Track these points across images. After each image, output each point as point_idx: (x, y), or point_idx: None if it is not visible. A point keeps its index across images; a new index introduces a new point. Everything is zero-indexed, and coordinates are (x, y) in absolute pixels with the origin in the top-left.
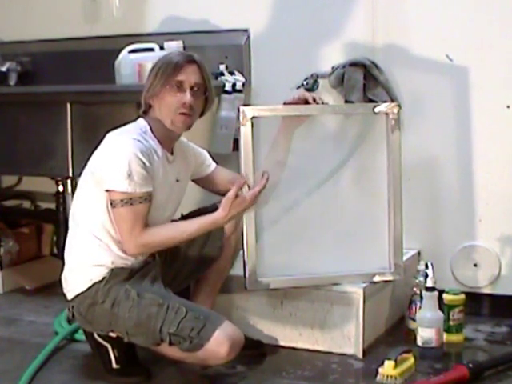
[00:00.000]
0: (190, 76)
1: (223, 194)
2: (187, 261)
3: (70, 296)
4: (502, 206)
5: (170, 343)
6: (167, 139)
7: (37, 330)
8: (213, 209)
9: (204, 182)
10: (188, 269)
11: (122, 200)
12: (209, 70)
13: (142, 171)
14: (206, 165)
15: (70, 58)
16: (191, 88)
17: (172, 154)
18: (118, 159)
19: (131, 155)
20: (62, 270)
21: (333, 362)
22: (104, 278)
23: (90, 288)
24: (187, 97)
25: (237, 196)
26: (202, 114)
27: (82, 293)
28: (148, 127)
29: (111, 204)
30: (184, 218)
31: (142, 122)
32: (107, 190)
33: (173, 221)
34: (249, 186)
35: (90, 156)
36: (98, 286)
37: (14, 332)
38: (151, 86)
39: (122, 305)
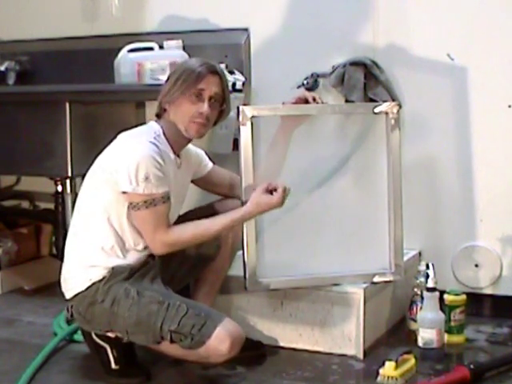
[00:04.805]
0: (210, 86)
1: (220, 194)
2: (184, 260)
3: (68, 295)
4: (503, 206)
5: (171, 341)
6: (178, 144)
7: (36, 330)
8: (209, 209)
9: (202, 183)
10: (185, 268)
11: (145, 202)
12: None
13: (158, 173)
14: (203, 165)
15: (69, 57)
16: (210, 98)
17: (179, 158)
18: (135, 161)
19: (149, 157)
20: (60, 270)
21: (333, 363)
22: (104, 277)
23: (89, 287)
24: (205, 107)
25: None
26: (214, 124)
27: (81, 292)
28: (161, 131)
29: (134, 207)
30: (181, 217)
31: (155, 125)
32: (124, 192)
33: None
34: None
35: (94, 155)
36: (98, 285)
37: (13, 333)
38: (169, 91)
39: (122, 303)
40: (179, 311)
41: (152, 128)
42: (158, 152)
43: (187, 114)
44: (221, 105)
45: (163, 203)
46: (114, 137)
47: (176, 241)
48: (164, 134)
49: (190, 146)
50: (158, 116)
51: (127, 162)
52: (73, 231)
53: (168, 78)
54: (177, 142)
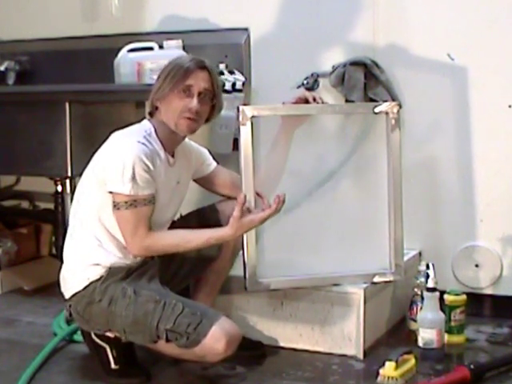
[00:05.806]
0: (199, 82)
1: (222, 194)
2: (185, 260)
3: (67, 295)
4: (504, 206)
5: (167, 340)
6: (170, 142)
7: (35, 330)
8: (211, 210)
9: (204, 182)
10: (186, 268)
11: (126, 202)
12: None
13: (145, 175)
14: (206, 164)
15: (69, 57)
16: (199, 94)
17: (173, 156)
18: (122, 162)
19: (136, 158)
20: (60, 270)
21: (333, 363)
22: (101, 276)
23: (87, 287)
24: (194, 102)
25: (246, 212)
26: (207, 120)
27: (79, 292)
28: (153, 129)
29: (115, 206)
30: (183, 218)
31: (147, 124)
32: (110, 192)
33: (173, 222)
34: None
35: (93, 155)
36: (95, 284)
37: (13, 333)
38: (160, 88)
39: (119, 303)
40: (175, 310)
41: (144, 127)
42: (147, 152)
43: (176, 109)
44: (211, 100)
45: (144, 205)
46: (108, 136)
47: (152, 245)
48: (156, 132)
49: (193, 144)
50: (151, 114)
51: (114, 163)
52: (70, 231)
53: (159, 76)
54: (169, 140)
